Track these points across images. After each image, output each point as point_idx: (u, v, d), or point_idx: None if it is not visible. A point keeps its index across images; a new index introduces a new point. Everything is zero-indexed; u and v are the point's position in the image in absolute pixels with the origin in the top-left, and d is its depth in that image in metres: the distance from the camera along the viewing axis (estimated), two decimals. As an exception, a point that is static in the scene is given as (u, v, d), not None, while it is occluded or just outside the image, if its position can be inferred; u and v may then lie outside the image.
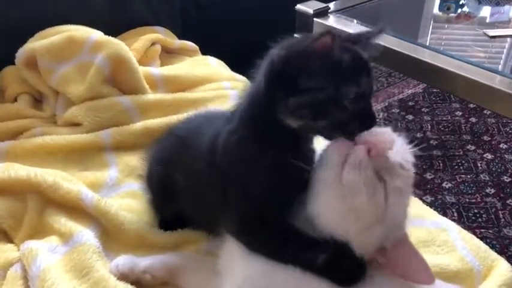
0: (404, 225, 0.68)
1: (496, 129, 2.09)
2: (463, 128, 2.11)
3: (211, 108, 0.96)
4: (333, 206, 0.64)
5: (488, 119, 2.14)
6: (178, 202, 0.82)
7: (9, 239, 0.89)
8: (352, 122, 0.62)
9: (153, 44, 1.43)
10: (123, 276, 0.78)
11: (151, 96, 1.21)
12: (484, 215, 1.67)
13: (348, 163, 0.62)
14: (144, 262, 0.80)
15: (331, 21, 1.54)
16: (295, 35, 1.53)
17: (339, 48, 0.60)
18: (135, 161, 1.06)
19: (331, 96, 0.60)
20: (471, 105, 2.21)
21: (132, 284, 0.77)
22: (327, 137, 0.66)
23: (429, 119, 2.16)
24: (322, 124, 0.62)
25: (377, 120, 0.64)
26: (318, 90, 0.60)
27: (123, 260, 0.80)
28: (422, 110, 2.22)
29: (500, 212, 1.68)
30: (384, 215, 0.62)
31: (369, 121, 0.63)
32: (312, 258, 0.64)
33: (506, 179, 1.83)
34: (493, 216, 1.67)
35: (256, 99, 0.65)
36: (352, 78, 0.61)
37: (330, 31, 0.59)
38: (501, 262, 0.85)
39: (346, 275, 0.65)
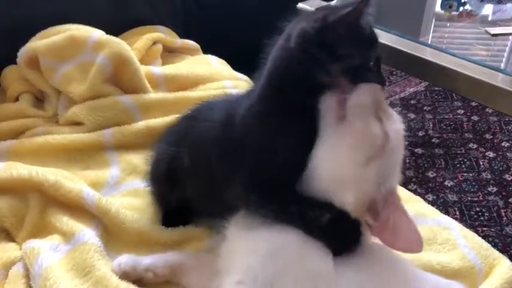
0: (395, 182, 0.70)
1: (498, 128, 2.09)
2: (465, 126, 2.10)
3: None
4: (332, 147, 0.66)
5: (490, 117, 2.14)
6: (185, 189, 0.82)
7: (11, 238, 0.89)
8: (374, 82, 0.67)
9: (154, 43, 1.43)
10: (124, 275, 0.78)
11: (152, 95, 1.21)
12: (486, 214, 1.67)
13: (351, 97, 0.66)
14: (146, 260, 0.80)
15: (333, 19, 1.54)
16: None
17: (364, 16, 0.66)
18: (137, 159, 1.07)
19: (362, 61, 0.66)
20: (473, 104, 2.20)
21: (133, 283, 0.77)
22: None
23: (431, 117, 2.16)
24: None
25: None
26: (352, 57, 0.65)
27: (125, 259, 0.80)
28: (424, 108, 2.22)
29: (502, 210, 1.68)
30: (381, 148, 0.65)
31: (383, 80, 0.69)
32: (317, 216, 0.67)
33: (508, 177, 1.83)
34: (495, 214, 1.66)
35: (280, 74, 0.69)
36: (372, 43, 0.68)
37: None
38: (503, 260, 0.85)
39: (345, 237, 0.68)
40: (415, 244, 0.68)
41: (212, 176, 0.76)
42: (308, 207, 0.68)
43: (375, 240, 0.71)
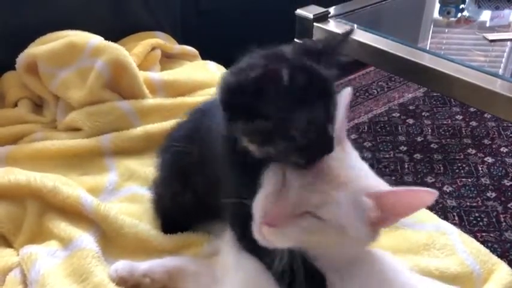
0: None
1: (496, 133, 2.09)
2: (463, 131, 2.10)
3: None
4: None
5: (489, 123, 2.14)
6: (196, 186, 0.81)
7: (8, 244, 0.89)
8: (301, 152, 0.59)
9: (153, 49, 1.43)
10: (122, 281, 0.77)
11: (151, 100, 1.22)
12: (485, 219, 1.67)
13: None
14: (143, 265, 0.80)
15: (331, 26, 1.54)
16: (295, 40, 1.54)
17: (289, 73, 0.55)
18: (135, 165, 1.07)
19: (278, 125, 0.57)
20: (471, 109, 2.20)
21: (130, 289, 0.77)
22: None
23: (430, 122, 2.16)
24: (272, 152, 0.60)
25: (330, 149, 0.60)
26: (265, 119, 0.57)
27: (122, 265, 0.79)
28: (423, 114, 2.22)
29: (501, 215, 1.68)
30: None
31: (319, 151, 0.60)
32: (269, 263, 0.66)
33: (507, 182, 1.83)
34: (494, 219, 1.66)
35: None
36: (303, 104, 0.56)
37: (280, 56, 0.58)
38: (501, 266, 0.85)
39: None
40: (428, 195, 0.61)
41: (214, 175, 0.74)
42: (265, 253, 0.66)
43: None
